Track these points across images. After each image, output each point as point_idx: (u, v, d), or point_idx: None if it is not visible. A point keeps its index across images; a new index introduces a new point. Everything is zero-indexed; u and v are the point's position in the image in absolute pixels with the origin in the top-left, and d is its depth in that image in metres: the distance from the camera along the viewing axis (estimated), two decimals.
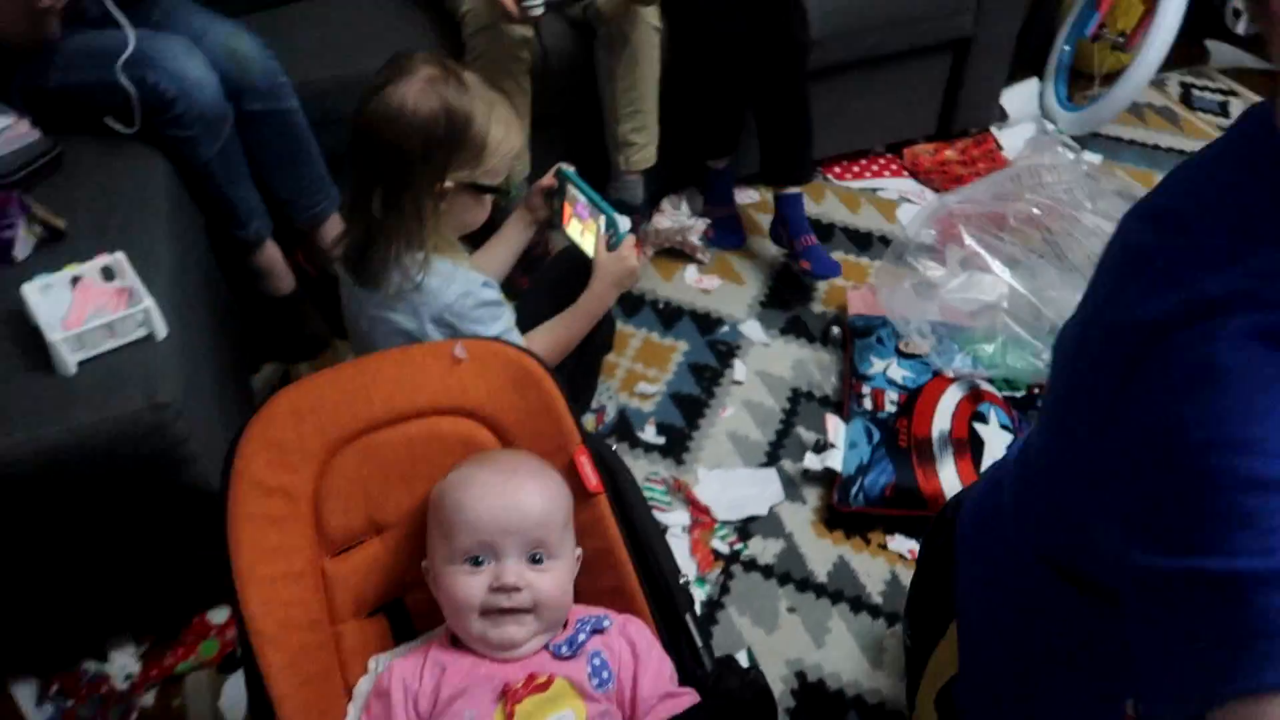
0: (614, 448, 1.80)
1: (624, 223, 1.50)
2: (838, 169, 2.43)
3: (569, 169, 1.56)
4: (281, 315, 1.87)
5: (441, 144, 1.27)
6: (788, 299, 2.09)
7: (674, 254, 2.18)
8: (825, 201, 2.34)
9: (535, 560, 0.95)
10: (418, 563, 1.02)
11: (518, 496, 0.96)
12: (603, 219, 1.51)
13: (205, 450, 1.30)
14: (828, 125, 2.31)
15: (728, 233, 2.21)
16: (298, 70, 1.76)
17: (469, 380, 1.08)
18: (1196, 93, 2.76)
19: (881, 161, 2.46)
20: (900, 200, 2.35)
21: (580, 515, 1.05)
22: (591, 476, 1.06)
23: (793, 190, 2.09)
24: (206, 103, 1.54)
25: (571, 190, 1.56)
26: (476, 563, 0.94)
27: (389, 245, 1.30)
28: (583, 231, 1.57)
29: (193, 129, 1.54)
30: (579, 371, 1.63)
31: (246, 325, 1.85)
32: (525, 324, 1.55)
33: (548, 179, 1.58)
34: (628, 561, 1.05)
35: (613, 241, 1.49)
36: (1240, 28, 2.71)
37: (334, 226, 1.85)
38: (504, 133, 1.33)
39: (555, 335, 1.50)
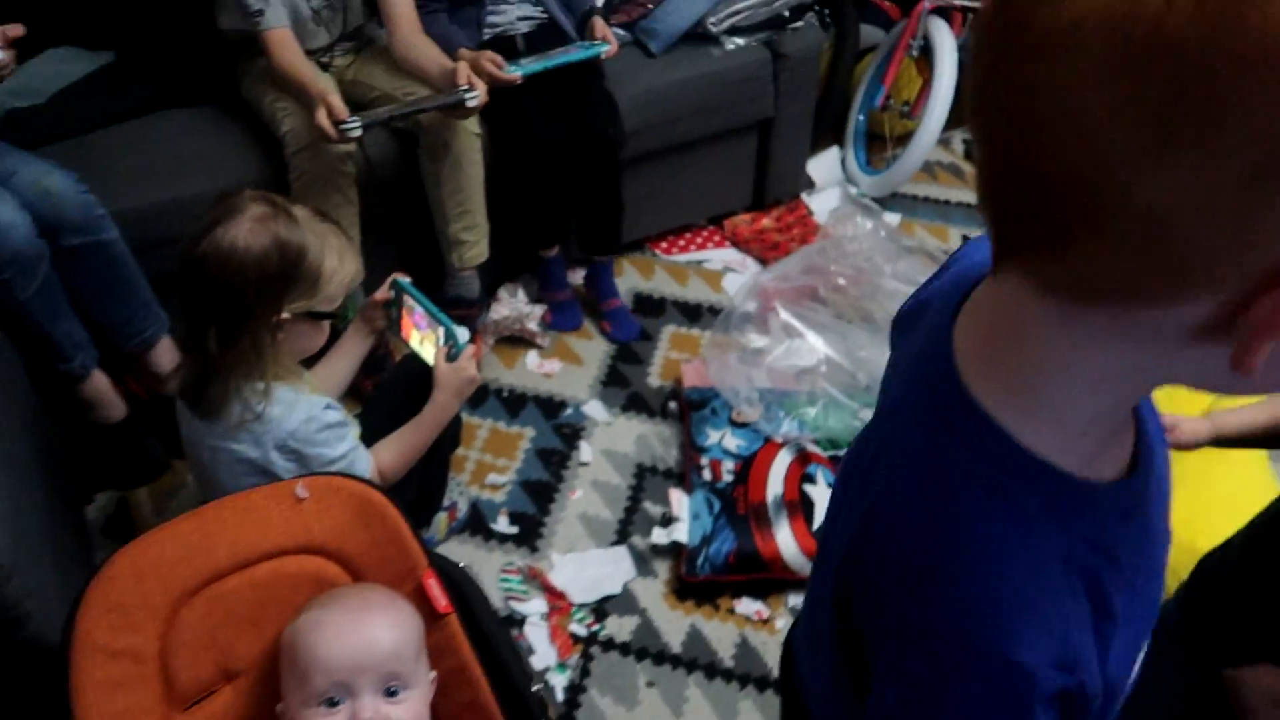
0: (468, 542, 1.85)
1: (463, 334, 1.56)
2: (665, 244, 2.57)
3: (404, 279, 1.61)
4: (114, 443, 1.82)
5: (276, 279, 1.30)
6: (626, 375, 2.20)
7: (514, 341, 2.25)
8: (655, 276, 2.47)
9: (391, 693, 0.99)
10: (273, 706, 1.04)
11: (368, 634, 1.00)
12: (442, 330, 1.57)
13: (41, 606, 1.27)
14: (652, 204, 2.46)
15: (565, 316, 2.30)
16: (117, 198, 1.75)
17: (312, 518, 1.11)
18: None
19: (705, 234, 2.62)
20: (725, 270, 2.51)
21: (432, 637, 1.09)
22: (440, 598, 1.11)
23: (602, 259, 2.25)
24: (19, 245, 1.52)
25: (408, 300, 1.61)
26: (332, 704, 0.98)
27: (228, 378, 1.32)
28: (422, 341, 1.62)
29: (6, 272, 1.51)
30: (429, 472, 1.67)
31: (77, 455, 1.80)
32: (372, 431, 1.58)
33: (383, 291, 1.62)
34: (481, 677, 1.10)
35: (453, 352, 1.55)
36: None
37: (165, 349, 1.83)
38: (338, 262, 1.38)
39: (401, 447, 1.54)
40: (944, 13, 2.65)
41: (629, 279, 2.44)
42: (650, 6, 2.31)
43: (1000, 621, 0.46)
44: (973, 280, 0.53)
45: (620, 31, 2.30)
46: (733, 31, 2.35)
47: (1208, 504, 1.47)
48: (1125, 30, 0.34)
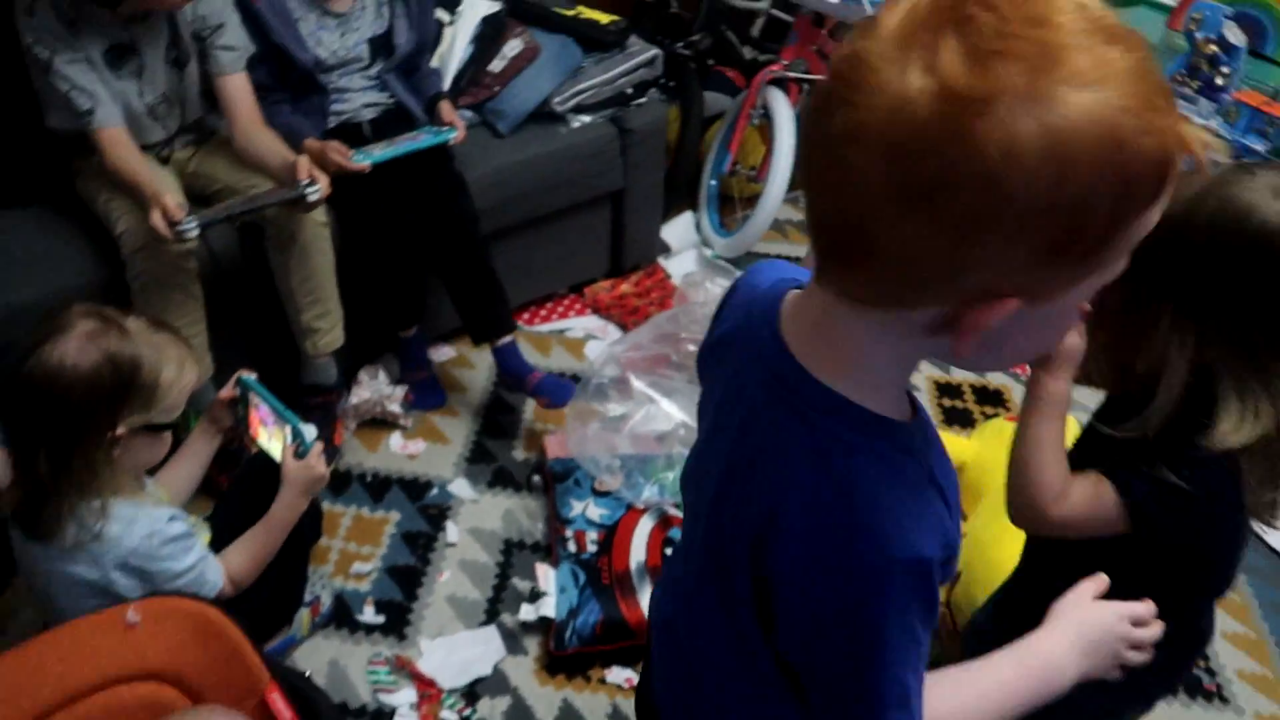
0: (333, 636, 1.82)
1: (309, 431, 1.57)
2: (527, 315, 2.61)
3: (249, 377, 1.61)
4: None
5: (109, 396, 1.28)
6: (492, 451, 2.21)
7: (377, 424, 2.24)
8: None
9: None
10: None
11: None
12: (289, 428, 1.57)
13: None
14: (513, 277, 2.48)
15: (428, 394, 2.31)
16: None
17: (147, 642, 1.10)
18: None
19: (566, 302, 2.67)
20: (587, 338, 2.56)
21: None
22: (285, 711, 1.11)
23: (503, 341, 2.23)
24: None
25: (254, 397, 1.60)
26: None
27: (61, 500, 1.29)
28: (270, 438, 1.61)
29: None
30: (285, 570, 1.65)
31: None
32: (227, 529, 1.56)
33: (228, 390, 1.61)
34: None
35: (300, 450, 1.55)
36: None
37: None
38: (177, 371, 1.36)
39: (251, 550, 1.52)
40: (781, 84, 2.80)
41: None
42: (497, 89, 2.37)
43: (909, 537, 0.62)
44: (771, 301, 0.70)
45: (468, 113, 2.35)
46: (578, 110, 2.43)
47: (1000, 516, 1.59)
48: (889, 135, 0.50)
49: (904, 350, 0.63)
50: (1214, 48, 2.77)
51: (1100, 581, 0.84)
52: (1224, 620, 1.95)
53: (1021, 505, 1.02)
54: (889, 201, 0.51)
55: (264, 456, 1.62)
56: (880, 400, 0.64)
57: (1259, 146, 2.61)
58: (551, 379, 2.21)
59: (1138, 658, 0.82)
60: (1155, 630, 0.82)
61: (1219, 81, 2.72)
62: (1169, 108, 0.51)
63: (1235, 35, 2.81)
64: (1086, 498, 0.98)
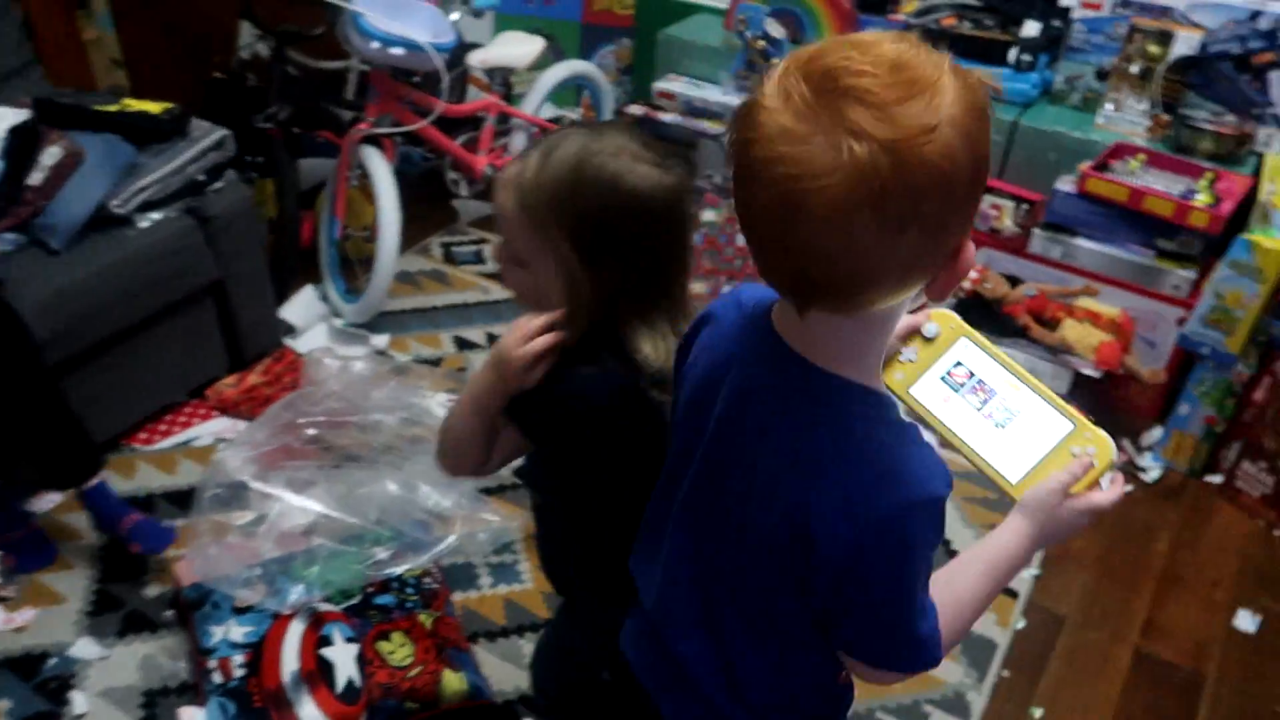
0: None
1: None
2: (143, 435, 2.39)
3: None
4: None
5: None
6: (119, 596, 2.00)
7: None
8: (138, 474, 2.29)
9: None
10: None
11: None
12: None
13: None
14: (114, 398, 2.28)
15: (32, 554, 2.04)
16: None
17: None
18: (456, 249, 3.23)
19: (189, 410, 2.48)
20: (217, 443, 2.39)
21: None
22: None
23: (90, 484, 2.02)
24: None
25: None
26: None
27: None
28: None
29: None
30: None
31: None
32: None
33: None
34: None
35: None
36: (463, 190, 3.23)
37: None
38: None
39: None
40: (374, 140, 2.76)
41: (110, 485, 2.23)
42: (41, 203, 2.14)
43: (927, 481, 0.79)
44: (762, 316, 0.84)
45: (11, 236, 2.11)
46: (145, 207, 2.26)
47: None
48: (859, 194, 0.63)
49: (889, 328, 0.81)
50: (763, 43, 3.07)
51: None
52: None
53: (451, 466, 1.19)
54: (882, 238, 0.66)
55: None
56: (871, 379, 0.81)
57: None
58: (147, 523, 2.03)
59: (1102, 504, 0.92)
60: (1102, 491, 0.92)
61: None
62: (969, 74, 0.69)
63: (776, 29, 3.13)
64: (503, 445, 1.15)
